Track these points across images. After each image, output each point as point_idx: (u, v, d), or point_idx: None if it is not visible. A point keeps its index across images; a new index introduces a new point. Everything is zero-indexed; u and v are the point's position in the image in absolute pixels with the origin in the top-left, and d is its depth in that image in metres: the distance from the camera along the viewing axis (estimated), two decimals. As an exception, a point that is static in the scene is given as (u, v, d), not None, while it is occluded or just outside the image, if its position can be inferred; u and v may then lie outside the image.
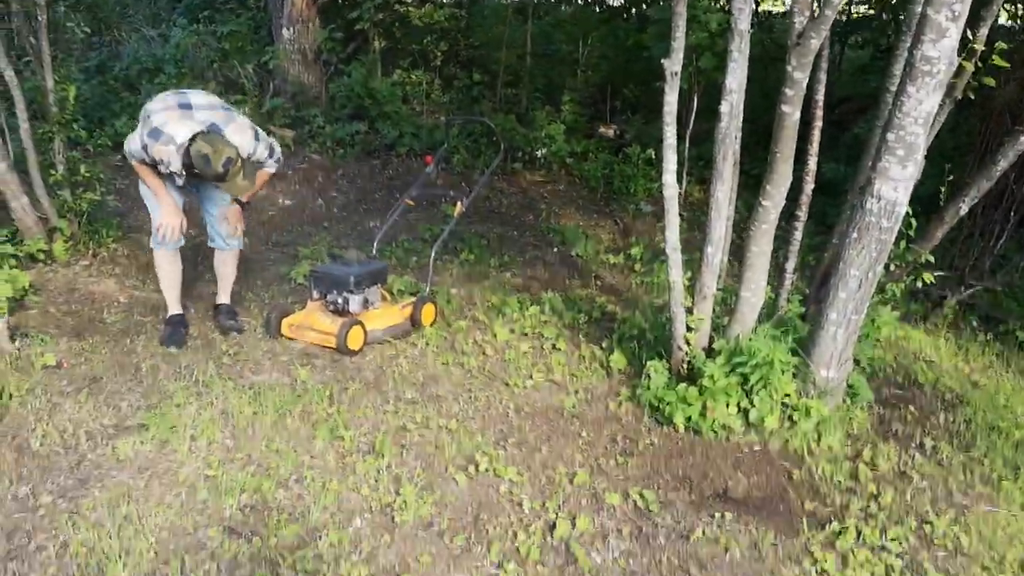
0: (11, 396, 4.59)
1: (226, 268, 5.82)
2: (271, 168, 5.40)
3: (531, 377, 5.47)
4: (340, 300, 5.71)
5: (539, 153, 10.74)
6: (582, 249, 8.58)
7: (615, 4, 13.59)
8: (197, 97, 5.09)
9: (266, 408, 4.69)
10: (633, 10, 12.83)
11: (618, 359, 5.67)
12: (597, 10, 13.13)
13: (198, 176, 4.98)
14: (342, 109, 10.50)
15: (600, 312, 6.69)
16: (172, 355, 5.31)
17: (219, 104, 5.14)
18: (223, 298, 5.87)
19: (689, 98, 9.16)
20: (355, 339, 5.52)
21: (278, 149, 5.38)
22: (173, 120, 4.86)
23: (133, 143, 4.97)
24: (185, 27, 10.74)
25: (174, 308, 5.50)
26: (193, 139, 4.81)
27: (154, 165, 5.01)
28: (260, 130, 5.24)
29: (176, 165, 4.92)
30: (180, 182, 5.18)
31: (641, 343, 5.81)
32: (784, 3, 14.08)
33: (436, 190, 7.11)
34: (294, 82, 10.55)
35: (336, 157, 10.17)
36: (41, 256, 6.24)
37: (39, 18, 6.36)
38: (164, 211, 5.21)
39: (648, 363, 5.27)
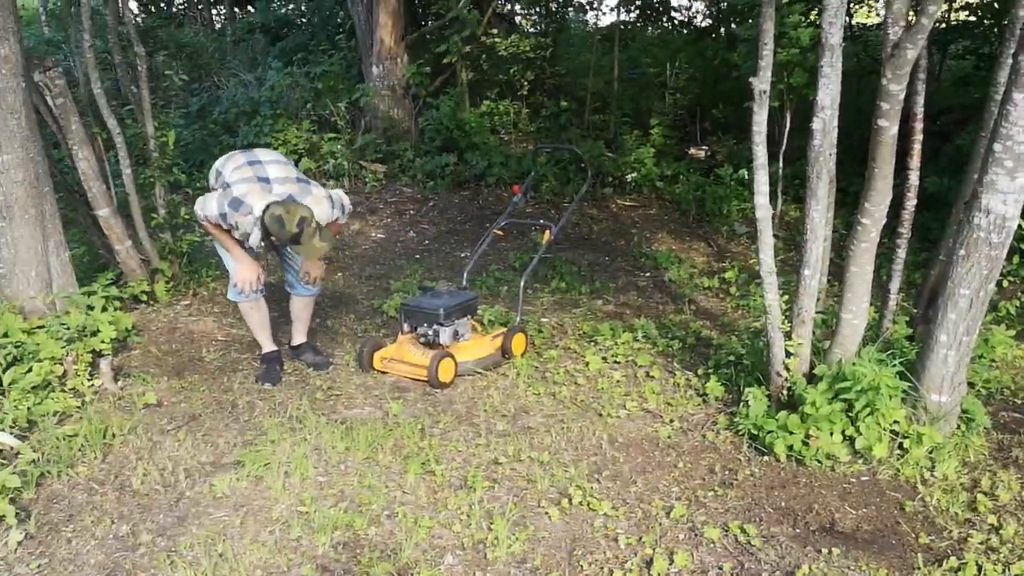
0: (114, 435, 4.68)
1: (304, 312, 5.82)
2: (343, 220, 5.48)
3: (625, 406, 5.34)
4: (430, 333, 5.68)
5: (629, 177, 10.62)
6: (675, 273, 8.40)
7: (702, 25, 13.41)
8: (273, 169, 5.15)
9: (358, 443, 4.68)
10: (721, 29, 12.63)
11: (714, 386, 5.48)
12: (684, 31, 12.97)
13: (273, 241, 5.01)
14: (431, 142, 10.59)
15: (695, 338, 6.51)
16: (268, 392, 5.36)
17: (294, 176, 5.22)
18: (299, 338, 5.86)
19: (781, 116, 8.92)
20: (446, 372, 5.48)
21: (347, 202, 5.41)
22: (254, 193, 4.94)
23: (209, 208, 5.04)
24: (280, 70, 11.01)
25: (268, 346, 5.56)
26: (267, 208, 4.85)
27: (229, 229, 5.09)
28: (334, 194, 5.29)
29: (255, 239, 5.01)
30: (257, 250, 5.29)
31: (738, 369, 5.60)
32: (878, 14, 13.65)
33: (525, 219, 7.06)
34: (384, 117, 10.70)
35: (427, 189, 10.24)
36: (144, 297, 6.40)
37: (139, 68, 6.57)
38: (241, 267, 5.27)
39: (746, 390, 5.07)
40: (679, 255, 8.97)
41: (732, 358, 5.85)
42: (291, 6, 15.17)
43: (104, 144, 6.51)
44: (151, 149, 6.57)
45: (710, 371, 5.74)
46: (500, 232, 6.50)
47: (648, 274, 8.49)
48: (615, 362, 6.02)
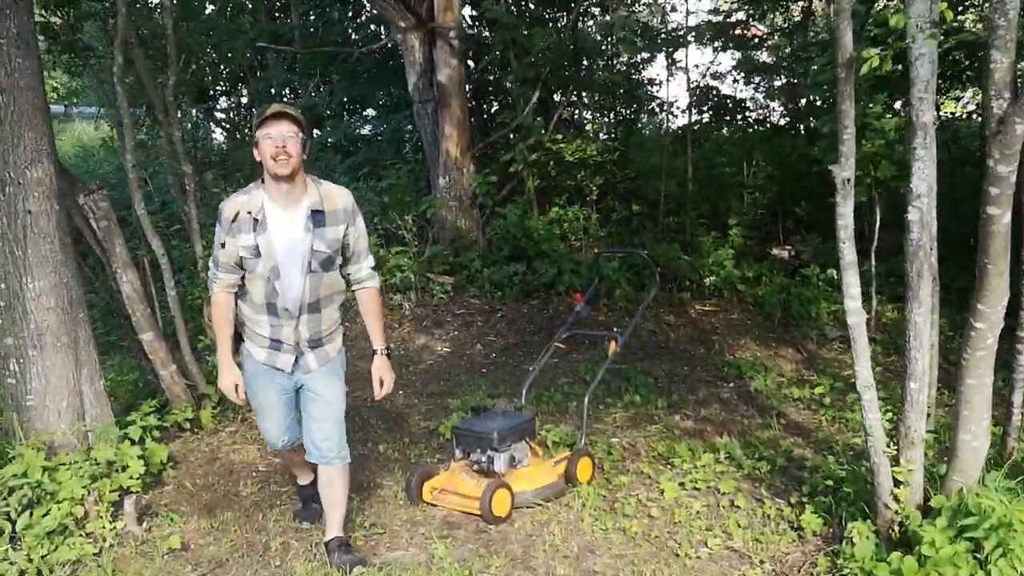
0: (129, 586, 4.17)
1: (334, 490, 4.38)
2: (374, 282, 4.43)
3: (706, 544, 4.60)
4: (484, 460, 5.07)
5: (708, 281, 9.96)
6: (762, 383, 7.65)
7: (779, 122, 12.87)
8: None
9: (396, 594, 4.06)
10: (800, 126, 12.07)
11: (811, 519, 4.70)
12: (760, 129, 12.43)
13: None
14: (499, 251, 10.16)
15: (786, 458, 5.74)
16: (305, 531, 4.79)
17: None
18: (334, 530, 4.44)
19: (870, 211, 8.23)
20: (501, 505, 4.84)
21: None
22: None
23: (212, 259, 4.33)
24: (347, 184, 10.80)
25: (305, 478, 4.99)
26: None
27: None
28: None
29: (265, 248, 4.09)
30: (270, 278, 4.14)
31: (838, 497, 4.83)
32: (962, 107, 12.92)
33: (589, 330, 6.47)
34: (451, 228, 10.35)
35: (495, 300, 9.76)
36: (187, 425, 5.97)
37: (188, 187, 6.32)
38: (222, 371, 4.39)
39: (849, 525, 4.31)
40: (765, 363, 8.22)
41: (830, 483, 5.08)
42: (367, 127, 15.20)
43: (151, 265, 6.21)
44: (199, 270, 6.23)
45: (805, 499, 4.97)
46: (562, 346, 5.93)
47: (731, 384, 7.76)
48: (695, 489, 5.29)
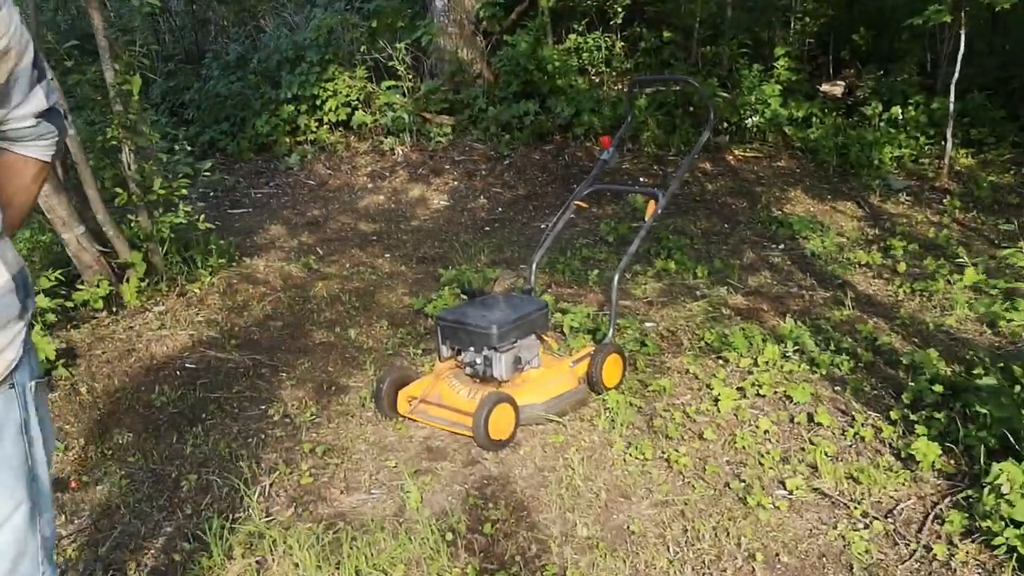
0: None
1: None
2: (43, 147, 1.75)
3: (783, 484, 3.22)
4: (479, 362, 3.66)
5: (749, 122, 8.29)
6: (818, 245, 6.15)
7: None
8: None
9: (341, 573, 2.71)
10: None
11: (926, 448, 3.30)
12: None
13: None
14: (507, 87, 8.46)
15: (870, 349, 4.31)
16: (230, 459, 3.43)
17: None
18: None
19: (948, 35, 6.50)
20: (501, 424, 3.45)
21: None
22: None
23: None
24: (327, 6, 9.01)
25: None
26: None
27: None
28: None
29: None
30: None
31: (954, 410, 3.43)
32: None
33: (620, 184, 4.91)
34: (451, 59, 8.62)
35: (502, 145, 8.15)
36: (99, 304, 4.54)
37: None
38: None
39: (996, 467, 2.91)
40: (821, 220, 6.70)
41: (940, 390, 3.66)
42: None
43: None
44: (113, 101, 4.66)
45: (907, 411, 3.57)
46: (583, 204, 4.40)
47: (782, 247, 6.27)
48: (758, 396, 3.89)
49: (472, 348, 3.64)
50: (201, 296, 4.96)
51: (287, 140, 8.49)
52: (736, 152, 8.08)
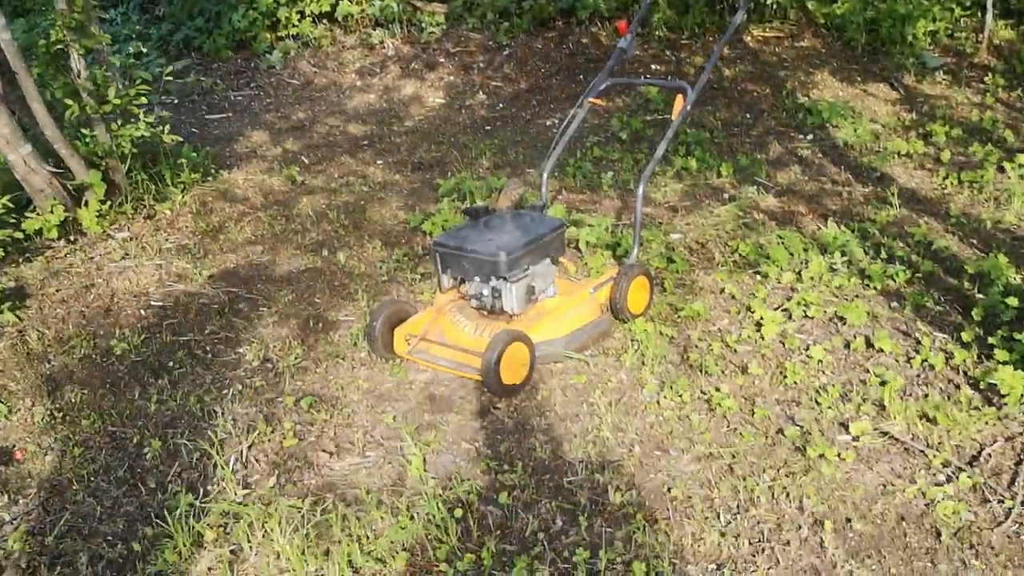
0: None
1: None
2: None
3: (845, 429, 2.72)
4: (487, 294, 3.11)
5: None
6: (850, 133, 5.53)
7: None
8: None
9: (331, 569, 2.24)
10: None
11: (1011, 377, 2.78)
12: None
13: None
14: (503, -32, 7.61)
15: (927, 255, 3.75)
16: (204, 412, 2.92)
17: None
18: None
19: None
20: (514, 367, 2.93)
21: None
22: None
23: None
24: None
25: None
26: None
27: None
28: None
29: None
30: None
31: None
32: None
33: (639, 78, 4.26)
34: (441, -62, 7.75)
35: (499, 33, 7.39)
36: (54, 233, 3.97)
37: None
38: None
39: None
40: (852, 105, 6.03)
41: (1016, 304, 3.13)
42: None
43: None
44: (52, -1, 3.98)
45: (980, 331, 3.05)
46: (598, 101, 3.76)
47: (811, 137, 5.63)
48: (806, 318, 3.35)
49: (478, 278, 3.09)
50: (171, 218, 4.38)
51: (267, 36, 7.73)
52: (755, 32, 7.32)
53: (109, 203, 4.23)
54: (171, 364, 3.21)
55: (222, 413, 2.91)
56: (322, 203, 4.67)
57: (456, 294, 3.25)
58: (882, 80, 6.49)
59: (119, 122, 4.32)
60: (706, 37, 7.13)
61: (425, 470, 2.60)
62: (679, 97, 3.46)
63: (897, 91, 6.29)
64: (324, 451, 2.73)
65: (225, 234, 4.27)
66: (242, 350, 3.31)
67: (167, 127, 4.49)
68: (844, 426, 2.73)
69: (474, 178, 4.84)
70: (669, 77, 6.46)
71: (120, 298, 3.66)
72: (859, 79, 6.50)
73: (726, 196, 4.63)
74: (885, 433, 2.68)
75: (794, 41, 7.18)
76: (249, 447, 2.76)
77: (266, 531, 2.36)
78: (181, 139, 4.62)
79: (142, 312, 3.56)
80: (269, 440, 2.79)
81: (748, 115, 6.05)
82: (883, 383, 2.89)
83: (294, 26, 7.70)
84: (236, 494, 2.52)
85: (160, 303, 3.62)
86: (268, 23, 7.73)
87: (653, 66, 6.71)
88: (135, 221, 4.29)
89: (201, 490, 2.56)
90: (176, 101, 6.78)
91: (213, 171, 5.04)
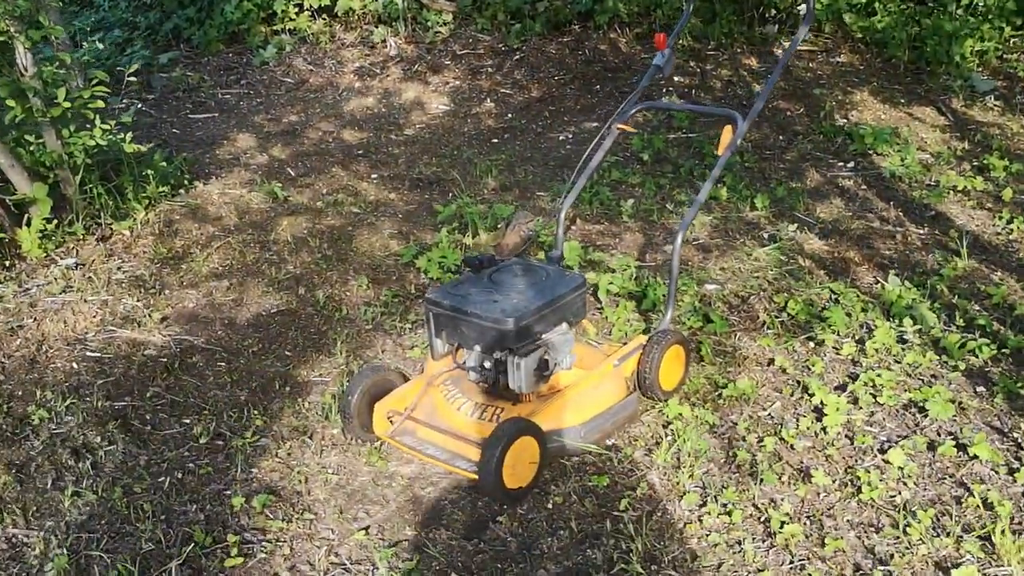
0: None
1: None
2: None
3: (944, 573, 2.06)
4: (489, 367, 2.46)
5: (801, 9, 6.80)
6: (897, 163, 4.87)
7: None
8: None
9: None
10: None
11: None
12: None
13: None
14: (517, -34, 6.95)
15: (1011, 323, 3.10)
16: (128, 519, 2.27)
17: None
18: None
19: None
20: (519, 468, 2.29)
21: None
22: None
23: None
24: None
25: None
26: None
27: None
28: None
29: None
30: None
31: None
32: None
33: (673, 103, 3.61)
34: (451, -68, 7.08)
35: (511, 36, 6.73)
36: (-15, 259, 3.32)
37: None
38: None
39: None
40: (896, 130, 5.36)
41: None
42: None
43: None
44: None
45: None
46: (627, 127, 3.10)
47: (852, 165, 4.98)
48: (876, 403, 2.70)
49: (479, 347, 2.44)
50: (129, 241, 3.73)
51: (262, 29, 7.07)
52: (787, 45, 6.65)
53: (56, 222, 3.58)
54: (98, 440, 2.55)
55: (152, 514, 2.26)
56: (304, 227, 4.02)
57: (452, 362, 2.59)
58: (928, 103, 5.83)
59: (72, 127, 3.66)
60: (733, 48, 6.47)
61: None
62: (727, 128, 2.80)
63: (945, 116, 5.63)
64: (268, 581, 2.08)
65: (189, 263, 3.62)
66: (189, 421, 2.65)
67: (129, 134, 3.82)
68: (943, 570, 2.08)
69: (477, 202, 4.19)
70: (693, 92, 5.80)
71: (51, 345, 3.00)
72: (903, 101, 5.84)
73: (764, 235, 3.98)
74: (994, 581, 2.04)
75: (829, 56, 6.52)
76: (181, 564, 2.11)
77: None
78: (145, 148, 3.96)
79: (74, 365, 2.90)
80: (207, 557, 2.14)
81: (782, 137, 5.40)
82: (987, 505, 2.24)
83: (291, 20, 7.06)
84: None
85: (98, 353, 2.96)
86: (263, 15, 7.08)
87: (676, 78, 6.04)
88: (86, 244, 3.64)
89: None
90: (159, 97, 6.12)
91: (186, 183, 4.39)
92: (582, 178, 3.02)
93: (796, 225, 4.10)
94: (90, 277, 3.40)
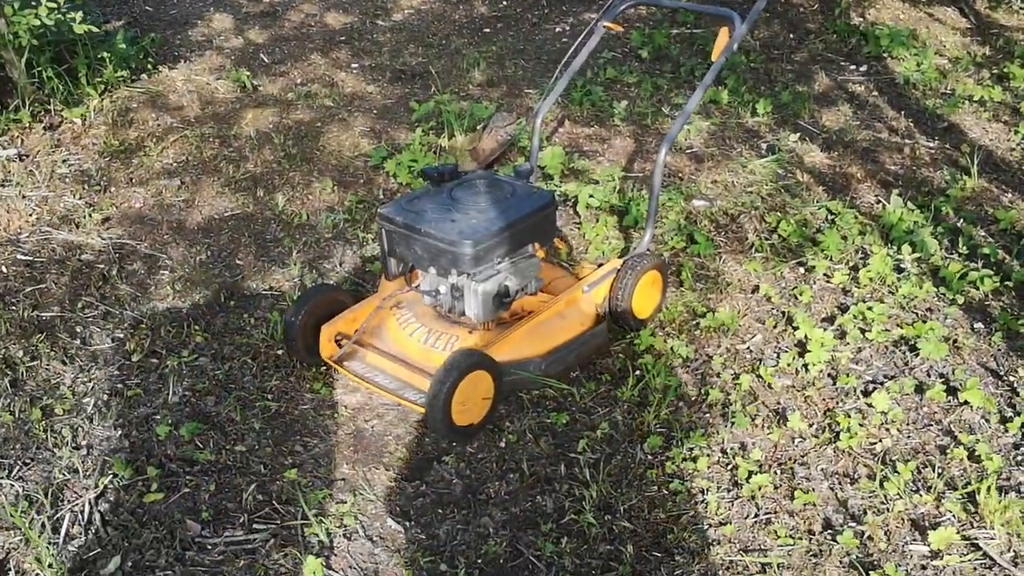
0: None
1: None
2: None
3: (922, 535, 1.88)
4: (444, 292, 2.23)
5: None
6: (913, 68, 4.50)
7: None
8: None
9: None
10: None
11: None
12: None
13: None
14: None
15: (1018, 253, 2.84)
16: (45, 443, 2.08)
17: None
18: None
19: None
20: (470, 404, 2.08)
21: None
22: None
23: None
24: None
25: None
26: None
27: None
28: None
29: None
30: None
31: None
32: None
33: (665, 0, 3.26)
34: None
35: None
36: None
37: None
38: None
39: None
40: (915, 32, 4.96)
41: None
42: None
43: None
44: None
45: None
46: (615, 26, 2.76)
47: (864, 68, 4.60)
48: (865, 340, 2.47)
49: (434, 270, 2.19)
50: (80, 130, 3.44)
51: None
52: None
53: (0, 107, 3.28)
54: (20, 355, 2.34)
55: (72, 439, 2.07)
56: (270, 121, 3.71)
57: (406, 284, 2.36)
58: (950, 3, 5.38)
59: (15, 5, 3.31)
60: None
61: (329, 570, 1.77)
62: (723, 30, 2.48)
63: (967, 18, 5.20)
64: (195, 518, 1.89)
65: (141, 157, 3.34)
66: (122, 335, 2.44)
67: (79, 14, 3.48)
68: (920, 530, 1.90)
69: (460, 99, 3.87)
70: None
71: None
72: (923, 0, 5.39)
73: (763, 145, 3.67)
74: (978, 548, 1.85)
75: (849, -53, 5.99)
76: (96, 499, 1.93)
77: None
78: (105, 27, 3.62)
79: (3, 269, 2.67)
80: (125, 490, 1.96)
81: (792, 35, 4.99)
82: (972, 458, 2.04)
83: None
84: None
85: (29, 257, 2.73)
86: None
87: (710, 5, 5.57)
88: (32, 133, 3.35)
89: (12, 568, 1.75)
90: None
91: (149, 66, 4.05)
92: (562, 81, 2.71)
93: (798, 134, 3.79)
94: (31, 171, 3.13)
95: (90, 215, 2.93)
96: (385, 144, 3.47)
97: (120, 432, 2.11)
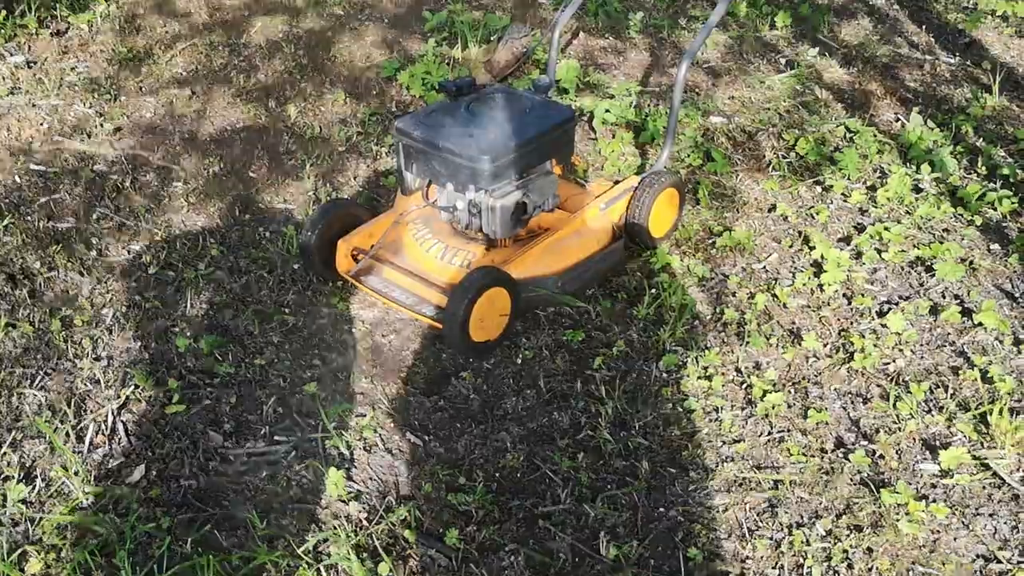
0: None
1: None
2: None
3: (933, 454, 1.89)
4: (461, 208, 2.18)
5: None
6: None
7: None
8: None
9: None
10: None
11: None
12: None
13: None
14: None
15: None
16: (60, 354, 2.08)
17: None
18: None
19: None
20: (488, 320, 2.07)
21: None
22: None
23: None
24: None
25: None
26: None
27: None
28: None
29: None
30: None
31: None
32: None
33: None
34: None
35: None
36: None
37: None
38: None
39: None
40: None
41: None
42: None
43: None
44: None
45: None
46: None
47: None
48: (881, 260, 2.44)
49: (451, 185, 2.15)
50: (87, 37, 3.34)
51: None
52: None
53: (5, 12, 3.17)
54: (37, 266, 2.32)
55: (93, 349, 2.07)
56: (280, 29, 3.60)
57: (423, 199, 2.31)
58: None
59: None
60: None
61: (349, 482, 1.78)
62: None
63: (994, -72, 4.97)
64: (216, 429, 1.90)
65: (150, 65, 3.25)
66: (138, 248, 2.41)
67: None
68: (931, 449, 1.90)
69: (472, 7, 3.74)
70: None
71: (-9, 155, 2.71)
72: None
73: (781, 60, 3.56)
74: (987, 467, 1.86)
75: None
76: (119, 409, 1.93)
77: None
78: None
79: (16, 179, 2.62)
80: (148, 400, 1.96)
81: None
82: (985, 379, 2.03)
83: None
84: (83, 494, 1.72)
85: (42, 167, 2.68)
86: None
87: None
88: (39, 39, 3.25)
89: (39, 481, 1.76)
90: None
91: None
92: (570, 8, 2.60)
93: (817, 49, 3.67)
94: (40, 79, 3.05)
95: (101, 125, 2.86)
96: (398, 55, 3.36)
97: (139, 344, 2.10)
